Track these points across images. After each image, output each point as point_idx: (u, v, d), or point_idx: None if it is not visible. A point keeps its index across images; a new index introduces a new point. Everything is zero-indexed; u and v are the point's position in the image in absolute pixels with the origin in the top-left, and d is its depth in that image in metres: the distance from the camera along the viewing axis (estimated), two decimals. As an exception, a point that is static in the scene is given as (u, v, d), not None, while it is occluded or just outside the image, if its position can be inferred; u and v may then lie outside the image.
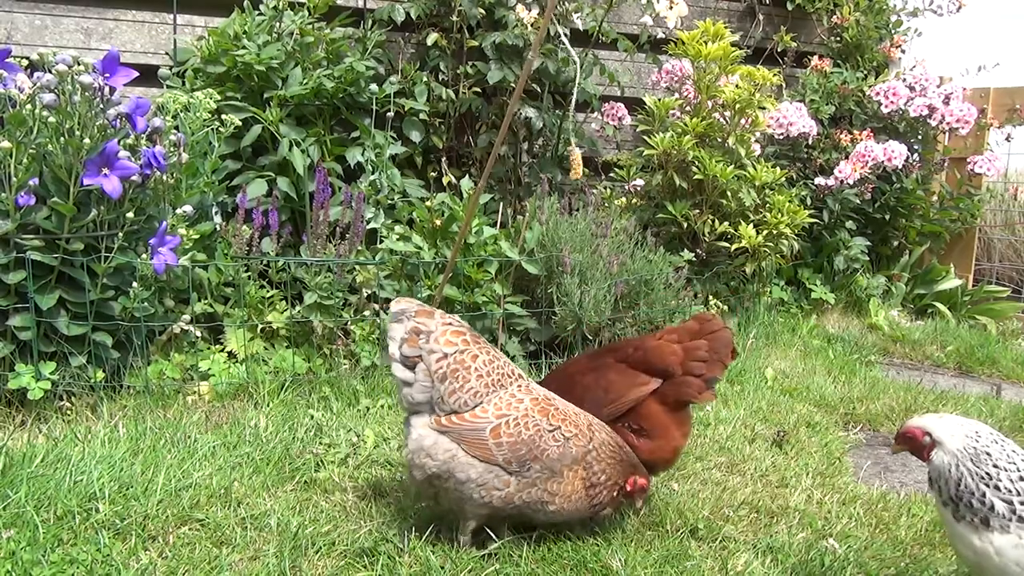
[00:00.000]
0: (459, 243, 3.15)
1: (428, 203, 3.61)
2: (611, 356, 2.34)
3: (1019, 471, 1.60)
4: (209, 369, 3.02)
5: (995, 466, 1.61)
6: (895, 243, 5.34)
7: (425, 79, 4.22)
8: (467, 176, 4.10)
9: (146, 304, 2.91)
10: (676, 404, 2.21)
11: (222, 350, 3.14)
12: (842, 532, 2.22)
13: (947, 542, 2.16)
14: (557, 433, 1.99)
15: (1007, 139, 5.27)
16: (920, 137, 5.17)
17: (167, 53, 4.07)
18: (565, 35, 4.26)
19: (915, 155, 5.11)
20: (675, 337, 2.27)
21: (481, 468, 1.95)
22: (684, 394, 2.19)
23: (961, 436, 1.66)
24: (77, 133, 2.66)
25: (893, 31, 5.46)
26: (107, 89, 2.77)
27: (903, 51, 5.47)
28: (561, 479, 1.99)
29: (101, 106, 2.76)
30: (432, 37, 4.21)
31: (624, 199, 4.39)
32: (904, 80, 5.12)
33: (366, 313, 3.31)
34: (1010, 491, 1.59)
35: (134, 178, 2.83)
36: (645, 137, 4.26)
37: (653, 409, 2.19)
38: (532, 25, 4.10)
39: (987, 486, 1.60)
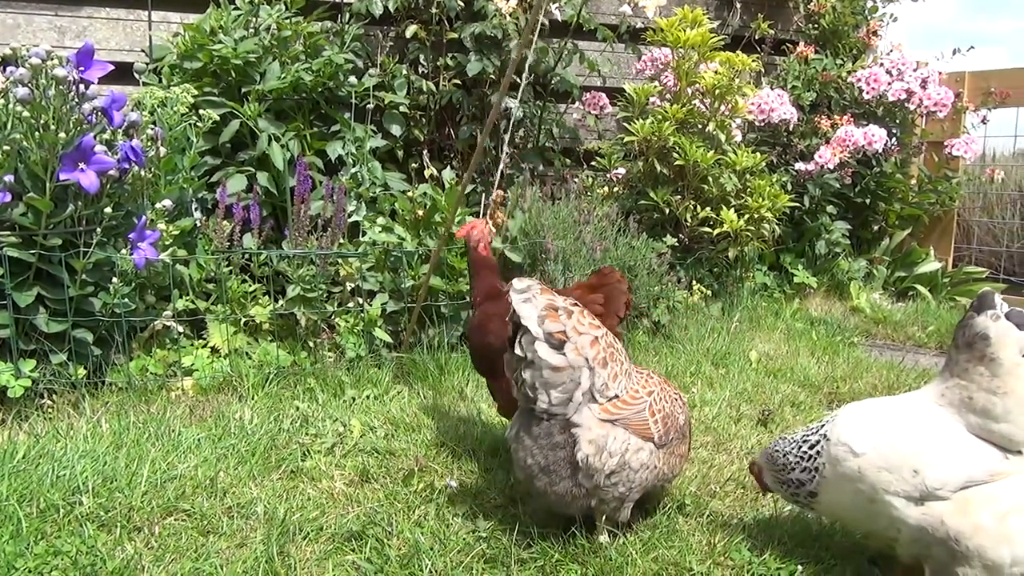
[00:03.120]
0: (445, 235, 3.15)
1: (410, 194, 3.60)
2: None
3: (809, 436, 1.87)
4: (192, 364, 3.00)
5: (804, 444, 1.88)
6: (875, 227, 5.38)
7: (405, 72, 4.21)
8: (449, 168, 4.10)
9: (127, 300, 2.89)
10: None
11: (205, 345, 3.12)
12: (828, 505, 2.23)
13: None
14: (678, 400, 2.01)
15: (983, 122, 5.32)
16: (898, 121, 5.21)
17: (143, 50, 4.04)
18: (545, 25, 4.27)
19: (894, 139, 5.15)
20: (577, 292, 2.34)
21: (647, 450, 1.88)
22: None
23: (769, 452, 1.95)
24: (52, 128, 2.63)
25: (869, 16, 5.51)
26: (82, 83, 2.75)
27: (879, 36, 5.52)
28: (683, 443, 2.02)
29: (76, 100, 2.74)
30: (411, 29, 4.20)
31: (606, 187, 4.40)
32: (882, 64, 5.16)
33: (350, 305, 3.30)
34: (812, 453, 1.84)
35: (112, 173, 2.81)
36: (626, 125, 4.27)
37: None
38: (510, 15, 4.11)
39: (797, 462, 1.87)
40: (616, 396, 1.85)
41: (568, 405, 1.82)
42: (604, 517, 1.93)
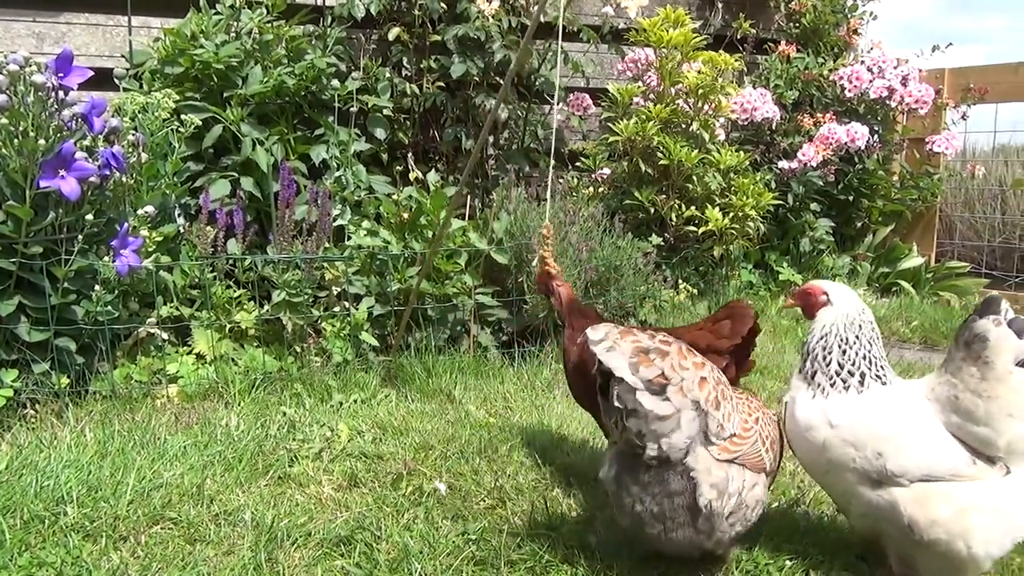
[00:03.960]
0: (437, 241, 3.14)
1: (395, 197, 3.60)
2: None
3: (866, 353, 1.79)
4: (177, 371, 2.98)
5: (856, 338, 1.80)
6: (859, 224, 5.42)
7: (388, 75, 4.20)
8: (434, 171, 4.09)
9: (110, 308, 2.86)
10: None
11: (190, 352, 3.09)
12: (816, 498, 2.24)
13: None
14: (772, 416, 1.89)
15: (963, 118, 5.38)
16: (880, 119, 5.26)
17: (123, 55, 4.01)
18: (527, 27, 4.27)
19: (876, 136, 5.20)
20: (707, 324, 2.27)
21: (760, 484, 1.76)
22: None
23: (852, 305, 1.84)
24: (32, 135, 2.60)
25: (849, 15, 5.55)
26: (61, 90, 2.73)
27: (860, 34, 5.57)
28: (774, 462, 1.88)
29: (56, 107, 2.71)
30: (394, 32, 4.19)
31: (591, 188, 4.41)
32: (863, 62, 5.21)
33: (336, 309, 3.29)
34: (850, 361, 1.78)
35: (93, 179, 2.78)
36: (610, 125, 4.29)
37: None
38: (493, 17, 4.11)
39: (838, 348, 1.79)
40: (732, 434, 1.71)
41: (682, 450, 1.66)
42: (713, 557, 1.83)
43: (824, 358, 1.80)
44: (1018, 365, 1.64)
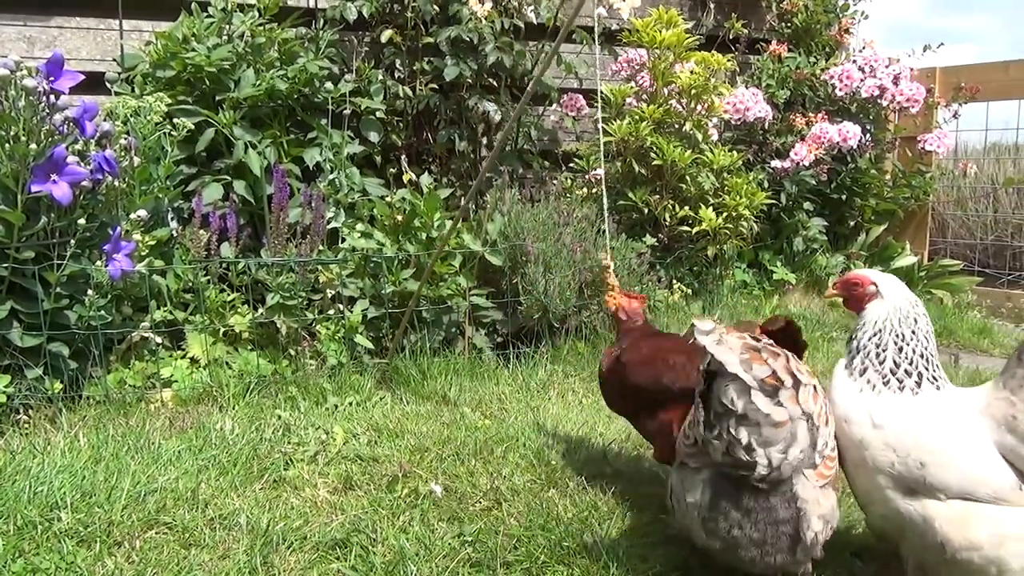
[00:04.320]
0: (440, 249, 3.13)
1: (389, 199, 3.59)
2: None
3: (923, 351, 1.70)
4: (171, 376, 2.97)
5: (913, 333, 1.70)
6: (852, 222, 5.44)
7: (381, 77, 4.20)
8: (427, 173, 4.09)
9: (103, 312, 2.85)
10: None
11: (184, 356, 3.08)
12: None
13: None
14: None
15: (955, 116, 5.40)
16: (872, 118, 5.28)
17: (114, 59, 3.99)
18: (520, 28, 4.28)
19: (868, 135, 5.21)
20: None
21: (836, 502, 1.67)
22: None
23: (904, 297, 1.74)
24: (23, 139, 2.59)
25: (840, 14, 5.57)
26: (52, 94, 2.72)
27: (851, 34, 5.59)
28: None
29: (47, 111, 2.70)
30: (386, 34, 4.19)
31: (585, 189, 4.41)
32: (854, 62, 5.23)
33: (331, 312, 3.28)
34: (906, 359, 1.68)
35: (85, 184, 2.77)
36: (603, 126, 4.29)
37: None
38: (486, 19, 4.11)
39: (894, 345, 1.69)
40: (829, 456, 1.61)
41: (790, 468, 1.53)
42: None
43: (878, 356, 1.69)
44: None
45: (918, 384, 1.67)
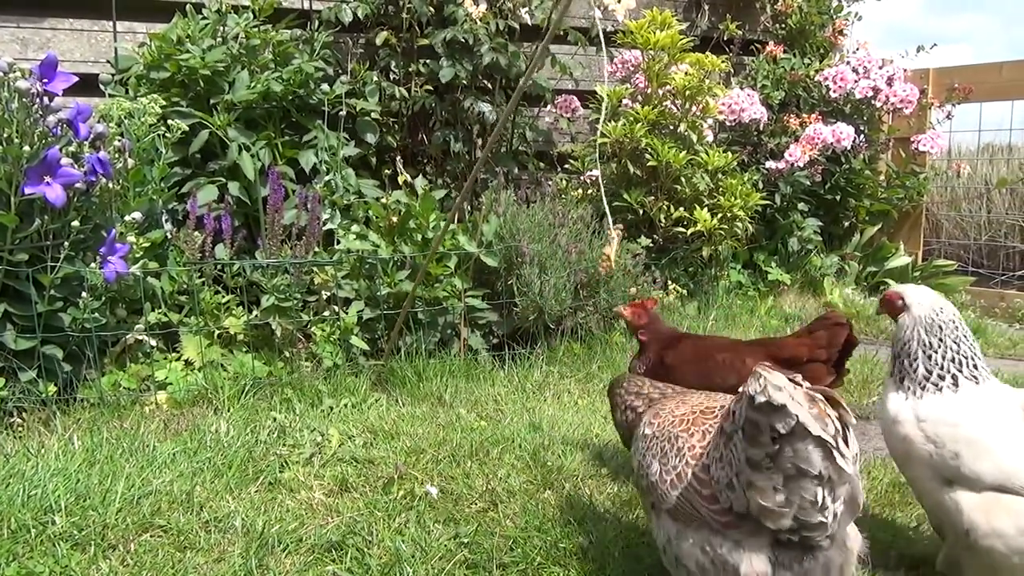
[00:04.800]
0: (433, 250, 3.13)
1: (384, 201, 3.59)
2: (745, 344, 2.44)
3: (953, 355, 1.78)
4: (166, 378, 2.96)
5: (940, 340, 1.80)
6: (846, 223, 5.45)
7: (376, 78, 4.20)
8: (422, 174, 4.09)
9: (97, 315, 2.84)
10: None
11: (179, 358, 3.08)
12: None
13: (908, 500, 2.24)
14: None
15: (948, 117, 5.42)
16: (866, 119, 5.30)
17: (108, 61, 3.98)
18: (515, 30, 4.28)
19: (862, 136, 5.23)
20: (804, 334, 2.30)
21: None
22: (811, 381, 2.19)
23: (928, 307, 1.83)
24: (16, 141, 2.59)
25: (835, 16, 5.59)
26: (46, 96, 2.71)
27: (845, 35, 5.61)
28: None
29: (40, 113, 2.69)
30: (382, 36, 4.19)
31: (580, 190, 4.41)
32: (848, 63, 5.24)
33: (326, 314, 3.28)
34: (937, 365, 1.78)
35: (78, 185, 2.76)
36: (598, 127, 4.29)
37: None
38: (481, 20, 4.11)
39: (923, 353, 1.80)
40: None
41: (847, 516, 1.43)
42: None
43: (910, 364, 1.81)
44: None
45: (955, 383, 1.76)
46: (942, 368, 1.77)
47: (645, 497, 1.66)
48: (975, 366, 1.78)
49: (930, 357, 1.79)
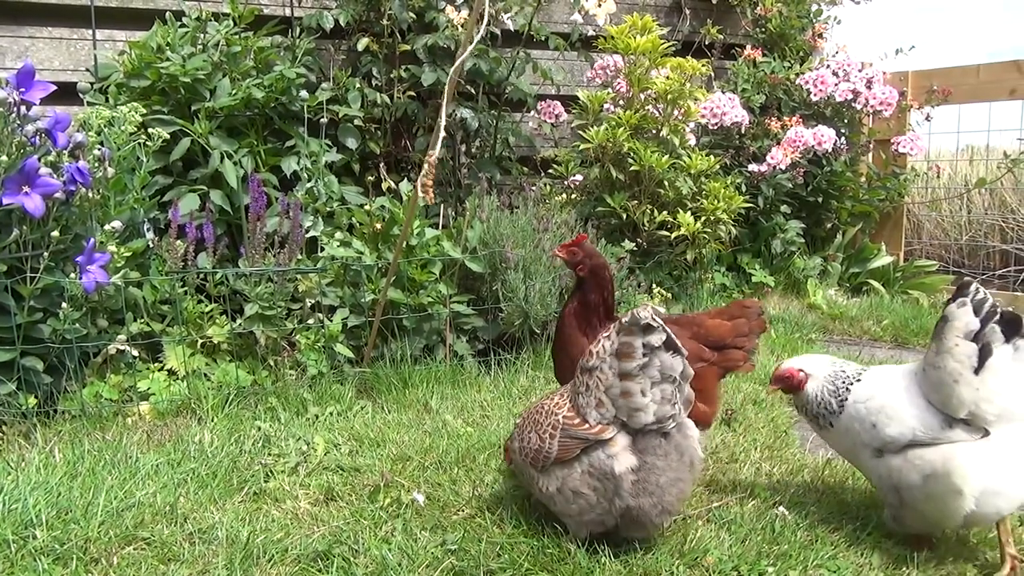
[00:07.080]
0: (400, 244, 3.14)
1: (367, 207, 3.58)
2: (679, 329, 2.44)
3: (847, 378, 2.10)
4: (149, 388, 2.94)
5: (843, 382, 2.10)
6: (828, 225, 5.50)
7: (358, 85, 4.19)
8: (406, 180, 4.08)
9: (77, 325, 2.81)
10: (722, 373, 2.37)
11: (161, 368, 3.05)
12: (791, 500, 2.26)
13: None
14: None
15: (927, 119, 5.48)
16: (846, 121, 5.35)
17: (88, 69, 3.95)
18: (496, 35, 4.29)
19: (842, 139, 5.28)
20: (724, 316, 2.40)
21: None
22: (732, 364, 2.33)
23: (827, 367, 2.14)
24: (-7, 151, 2.56)
25: (814, 20, 5.64)
26: (24, 105, 2.68)
27: (825, 39, 5.66)
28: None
29: (18, 122, 2.67)
30: (363, 42, 4.18)
31: (564, 194, 4.42)
32: (828, 66, 5.29)
33: (310, 322, 3.26)
34: (841, 392, 2.09)
35: (57, 195, 2.73)
36: (581, 132, 4.30)
37: (709, 377, 2.30)
38: (462, 26, 4.11)
39: (832, 396, 2.10)
40: None
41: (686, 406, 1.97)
42: None
43: (826, 416, 2.11)
44: (965, 339, 1.86)
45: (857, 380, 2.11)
46: (838, 404, 2.09)
47: (530, 469, 1.99)
48: (858, 376, 2.09)
49: (836, 395, 2.10)
